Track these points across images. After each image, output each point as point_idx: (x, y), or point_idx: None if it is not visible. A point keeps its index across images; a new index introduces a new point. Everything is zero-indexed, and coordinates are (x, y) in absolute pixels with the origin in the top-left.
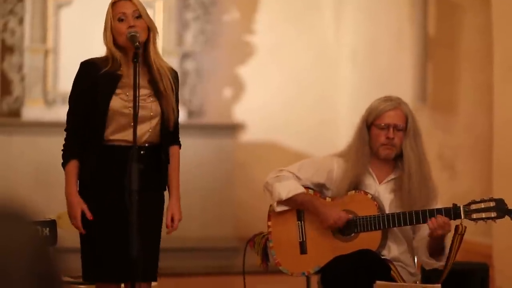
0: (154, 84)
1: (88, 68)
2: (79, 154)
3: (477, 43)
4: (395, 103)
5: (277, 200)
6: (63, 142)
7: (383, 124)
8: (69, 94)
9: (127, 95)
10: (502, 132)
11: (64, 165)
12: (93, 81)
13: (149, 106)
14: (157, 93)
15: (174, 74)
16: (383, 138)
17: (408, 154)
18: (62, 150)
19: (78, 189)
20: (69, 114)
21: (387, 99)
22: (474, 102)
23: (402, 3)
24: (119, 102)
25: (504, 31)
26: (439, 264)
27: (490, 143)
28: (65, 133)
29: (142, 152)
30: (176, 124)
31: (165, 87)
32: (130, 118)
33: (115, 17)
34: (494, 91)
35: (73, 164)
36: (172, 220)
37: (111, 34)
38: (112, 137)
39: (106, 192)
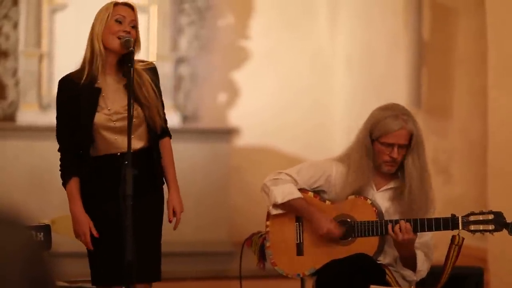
0: (134, 93)
1: (66, 85)
2: (77, 171)
3: (471, 48)
4: (402, 122)
5: (273, 203)
6: (59, 162)
7: (388, 143)
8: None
9: (109, 110)
10: (497, 136)
11: (65, 184)
12: (74, 98)
13: (133, 114)
14: (138, 100)
15: (153, 71)
16: (387, 156)
17: (410, 170)
18: (60, 170)
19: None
20: (58, 134)
21: (394, 114)
22: (469, 106)
23: (396, 8)
24: (102, 117)
25: (498, 36)
26: (413, 277)
27: (485, 148)
28: (59, 153)
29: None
30: (163, 116)
31: (145, 94)
32: (113, 131)
33: (113, 16)
34: (488, 95)
35: (74, 182)
36: (174, 213)
37: (102, 31)
38: (100, 152)
39: (103, 201)
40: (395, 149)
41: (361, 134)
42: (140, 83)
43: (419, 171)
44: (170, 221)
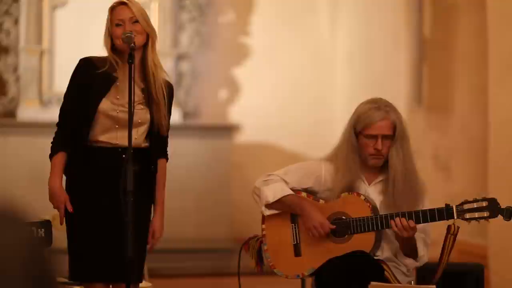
0: (147, 91)
1: (86, 66)
2: (67, 148)
3: (472, 45)
4: (383, 112)
5: (264, 203)
6: (54, 135)
7: (371, 135)
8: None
9: (118, 99)
10: (497, 133)
11: (51, 156)
12: (89, 80)
13: (138, 113)
14: (149, 100)
15: (169, 88)
16: (371, 149)
17: (394, 161)
18: (52, 142)
19: (64, 184)
20: (62, 109)
21: (376, 106)
22: (469, 103)
23: (397, 5)
24: (108, 104)
25: (499, 33)
26: (416, 264)
27: (485, 144)
28: (56, 127)
29: (124, 155)
30: (166, 137)
31: (157, 94)
32: (115, 121)
33: (113, 22)
34: (489, 92)
35: (61, 156)
36: (153, 236)
37: (110, 38)
38: (95, 138)
39: (90, 193)
40: (379, 141)
41: (345, 130)
42: (156, 82)
43: (402, 162)
44: (148, 243)
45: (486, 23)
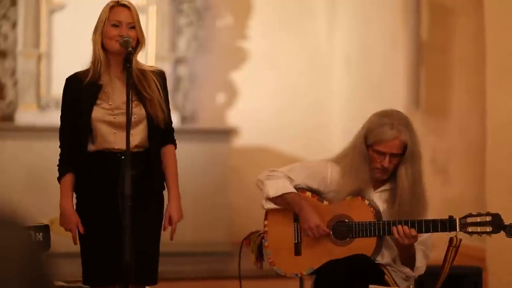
0: (136, 89)
1: (70, 83)
2: (72, 168)
3: (470, 47)
4: (396, 132)
5: (265, 197)
6: (58, 157)
7: (380, 151)
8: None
9: (110, 104)
10: (495, 136)
11: (59, 179)
12: (77, 94)
13: (133, 111)
14: (140, 98)
15: (160, 75)
16: (378, 164)
17: (402, 180)
18: (58, 165)
19: (74, 200)
20: (60, 131)
21: (390, 123)
22: (467, 106)
23: (395, 8)
24: (100, 112)
25: (497, 36)
26: (412, 274)
27: (483, 148)
28: (59, 150)
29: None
30: (169, 124)
31: (148, 90)
32: (113, 126)
33: (109, 21)
34: (487, 95)
35: (69, 177)
36: (170, 222)
37: (101, 36)
38: (98, 147)
39: (99, 199)
40: (387, 158)
41: (357, 138)
42: (143, 80)
43: (410, 182)
44: (164, 229)
45: (484, 25)
